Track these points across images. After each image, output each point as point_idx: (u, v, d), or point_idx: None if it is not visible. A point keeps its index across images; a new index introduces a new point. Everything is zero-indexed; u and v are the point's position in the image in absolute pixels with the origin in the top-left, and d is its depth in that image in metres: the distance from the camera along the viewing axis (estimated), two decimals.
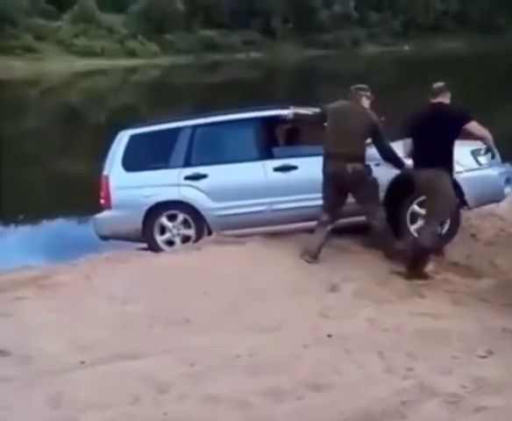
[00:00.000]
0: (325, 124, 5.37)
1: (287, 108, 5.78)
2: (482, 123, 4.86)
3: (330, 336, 3.82)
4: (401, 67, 39.62)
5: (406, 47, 60.99)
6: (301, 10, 62.32)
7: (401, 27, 66.17)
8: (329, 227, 5.23)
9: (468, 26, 64.81)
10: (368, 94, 5.34)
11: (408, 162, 5.10)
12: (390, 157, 5.24)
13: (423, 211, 5.27)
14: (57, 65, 44.37)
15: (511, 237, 5.71)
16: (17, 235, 7.82)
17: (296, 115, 5.71)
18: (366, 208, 5.13)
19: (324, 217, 5.22)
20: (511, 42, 46.22)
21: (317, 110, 5.67)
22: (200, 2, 59.42)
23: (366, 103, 5.32)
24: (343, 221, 5.33)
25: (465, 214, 5.67)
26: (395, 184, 5.33)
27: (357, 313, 4.24)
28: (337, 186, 5.18)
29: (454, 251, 5.34)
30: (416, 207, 5.34)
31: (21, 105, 24.69)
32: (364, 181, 5.11)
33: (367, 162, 5.21)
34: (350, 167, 5.05)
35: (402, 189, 5.29)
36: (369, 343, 3.70)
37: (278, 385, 3.20)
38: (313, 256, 5.18)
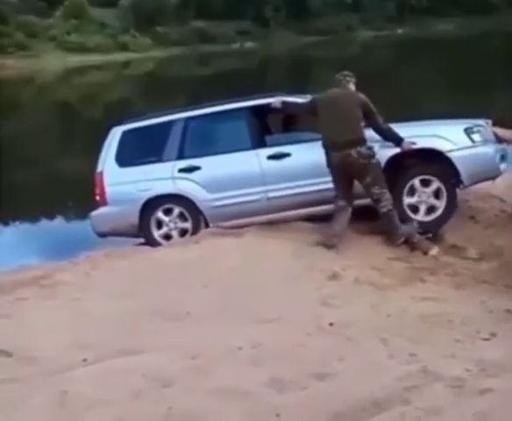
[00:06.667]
0: (317, 114, 5.32)
1: (273, 96, 5.75)
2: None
3: (332, 324, 3.81)
4: (394, 51, 39.53)
5: (399, 31, 60.77)
6: None
7: (395, 11, 65.82)
8: (349, 210, 5.23)
9: (463, 7, 64.47)
10: (353, 79, 5.40)
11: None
12: (387, 134, 5.22)
13: (424, 190, 5.28)
14: (50, 62, 44.24)
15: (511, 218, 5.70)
16: (16, 235, 7.80)
17: (284, 103, 5.68)
18: (373, 192, 5.11)
19: (342, 203, 5.22)
20: (506, 22, 46.07)
21: (308, 97, 5.64)
22: None
23: (352, 87, 5.37)
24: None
25: (463, 196, 5.65)
26: (392, 163, 5.30)
27: (358, 300, 4.23)
28: (345, 174, 5.18)
29: (454, 234, 5.33)
30: (416, 181, 5.30)
31: (15, 103, 24.62)
32: (369, 165, 5.09)
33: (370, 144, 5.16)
34: (354, 151, 5.04)
35: (398, 167, 5.29)
36: (371, 330, 3.69)
37: (281, 375, 3.19)
38: (334, 244, 5.14)
